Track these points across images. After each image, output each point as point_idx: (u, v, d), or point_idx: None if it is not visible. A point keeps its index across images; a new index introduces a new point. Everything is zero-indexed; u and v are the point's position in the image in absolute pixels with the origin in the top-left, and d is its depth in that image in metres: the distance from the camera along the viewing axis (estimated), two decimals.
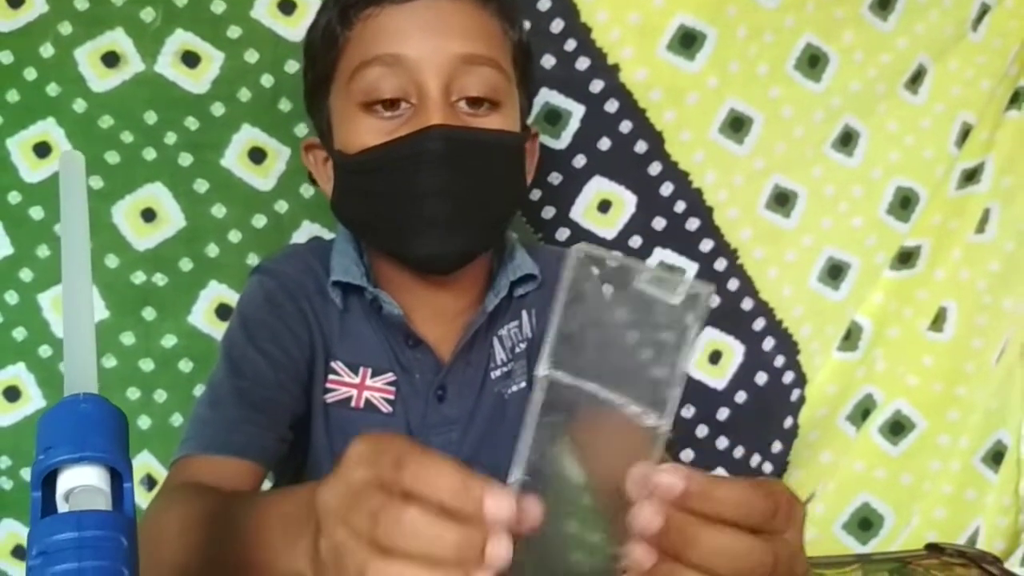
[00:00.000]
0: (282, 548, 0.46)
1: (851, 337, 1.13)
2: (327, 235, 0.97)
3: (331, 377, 0.77)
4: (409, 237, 0.72)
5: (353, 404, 0.78)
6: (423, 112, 0.69)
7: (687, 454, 1.09)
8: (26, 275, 0.96)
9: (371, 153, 0.70)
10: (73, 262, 0.44)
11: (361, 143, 0.70)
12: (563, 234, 1.05)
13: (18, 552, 0.99)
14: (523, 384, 0.82)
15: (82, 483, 0.35)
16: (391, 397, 0.78)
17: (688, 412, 1.10)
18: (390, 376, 0.78)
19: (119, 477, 0.36)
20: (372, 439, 0.40)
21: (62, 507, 0.35)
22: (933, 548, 0.64)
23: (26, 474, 0.97)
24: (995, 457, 1.19)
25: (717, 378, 1.10)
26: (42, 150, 0.96)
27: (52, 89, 0.95)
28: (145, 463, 0.98)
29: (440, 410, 0.79)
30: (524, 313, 0.83)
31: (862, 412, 1.14)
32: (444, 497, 0.36)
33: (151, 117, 0.97)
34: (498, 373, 0.81)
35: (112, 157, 0.97)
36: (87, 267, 0.44)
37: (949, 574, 0.61)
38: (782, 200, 1.08)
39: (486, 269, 0.81)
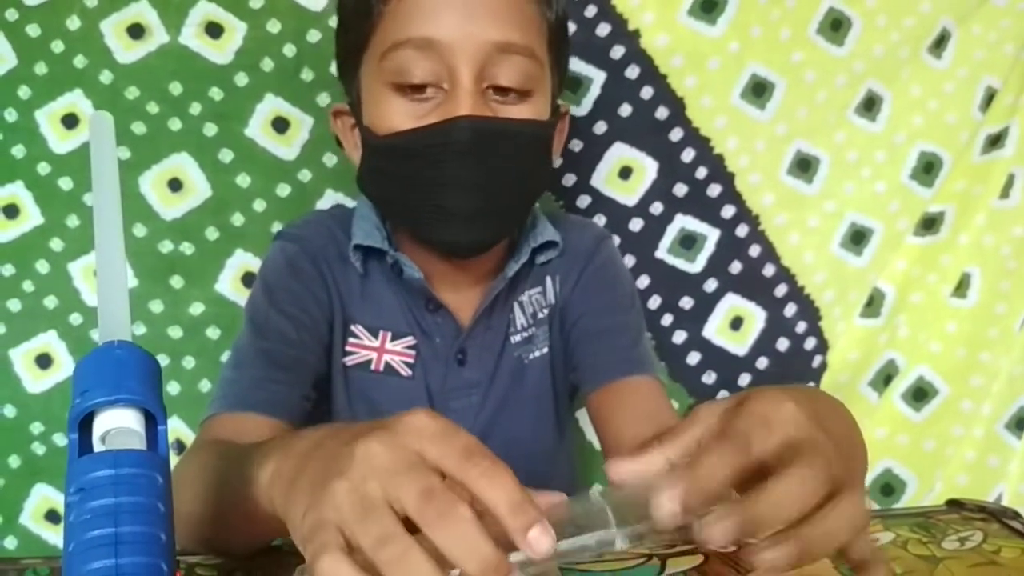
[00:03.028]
0: (250, 468, 0.47)
1: (873, 303, 1.13)
2: (350, 204, 0.99)
3: (351, 340, 0.79)
4: (432, 224, 0.73)
5: (373, 367, 0.79)
6: (453, 99, 0.68)
7: None
8: (56, 245, 0.98)
9: (399, 137, 0.70)
10: (105, 217, 0.45)
11: (390, 125, 0.71)
12: (584, 201, 1.05)
13: (51, 516, 1.01)
14: (545, 350, 0.83)
15: (118, 425, 0.36)
16: (411, 360, 0.79)
17: (709, 378, 1.10)
18: (410, 340, 0.79)
19: (153, 420, 0.37)
20: (440, 418, 0.38)
21: (98, 448, 0.36)
22: (953, 504, 0.65)
23: (58, 439, 1.00)
24: (1018, 423, 1.18)
25: (738, 344, 1.10)
26: (70, 121, 0.98)
27: (79, 61, 0.97)
28: (175, 428, 1.00)
29: (460, 374, 0.80)
30: (548, 279, 0.83)
31: (884, 378, 1.14)
32: (501, 504, 0.35)
33: (176, 88, 0.98)
34: (518, 338, 0.82)
35: (138, 128, 0.98)
36: (119, 222, 0.45)
37: (969, 528, 0.61)
38: (804, 166, 1.08)
39: (508, 238, 0.81)
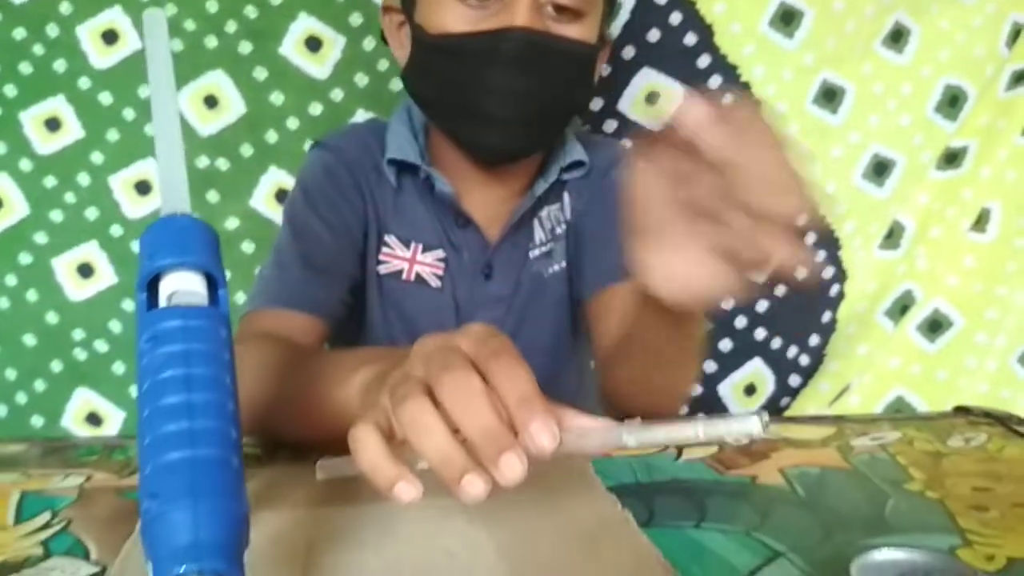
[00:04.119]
0: (343, 379, 0.50)
1: (893, 235, 1.15)
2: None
3: (384, 250, 0.82)
4: (471, 125, 0.75)
5: (404, 277, 0.82)
6: (511, 10, 0.70)
7: (725, 343, 1.12)
8: (97, 158, 1.01)
9: (453, 39, 0.72)
10: (161, 103, 0.47)
11: (444, 26, 0.72)
12: (611, 125, 1.07)
13: (92, 419, 1.06)
14: (563, 264, 0.85)
15: (182, 286, 0.39)
16: (440, 273, 0.82)
17: (728, 303, 1.12)
18: (440, 253, 0.82)
19: (214, 284, 0.40)
20: (490, 327, 0.41)
21: (163, 305, 0.39)
22: (960, 410, 0.67)
23: (99, 345, 1.04)
24: None
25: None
26: (110, 37, 1.00)
27: None
28: None
29: (486, 288, 0.83)
30: (565, 195, 0.85)
31: (901, 308, 1.16)
32: (512, 394, 0.37)
33: (212, 6, 1.00)
34: (537, 252, 0.85)
35: (176, 45, 1.00)
36: (175, 107, 0.47)
37: (975, 431, 0.64)
38: (830, 96, 1.09)
39: (539, 156, 0.83)
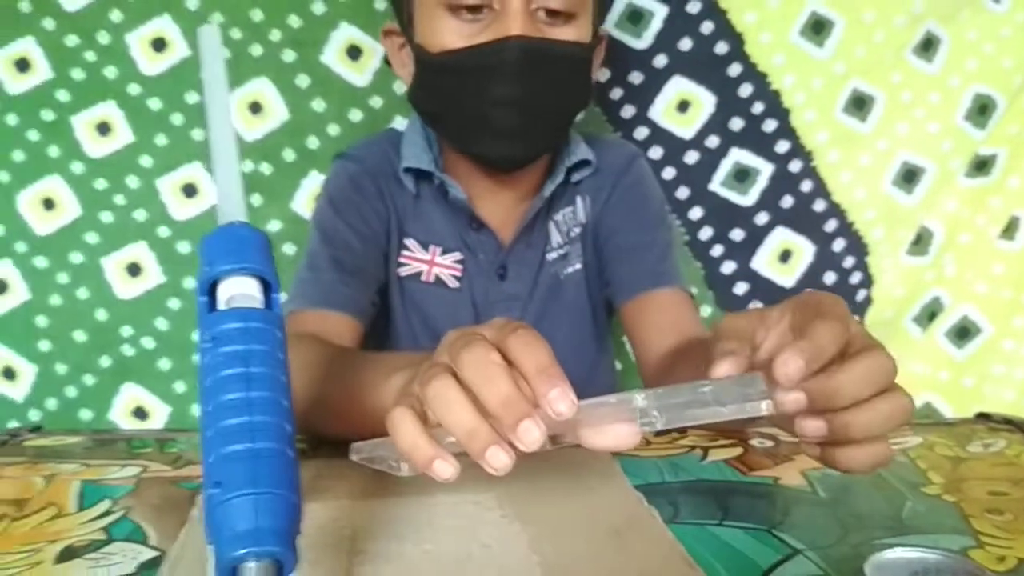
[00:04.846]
0: (381, 381, 0.53)
1: (921, 241, 1.16)
2: None
3: (404, 253, 0.86)
4: (478, 138, 0.78)
5: (424, 278, 0.86)
6: (504, 20, 0.72)
7: None
8: (146, 161, 1.05)
9: (451, 55, 0.74)
10: (217, 117, 0.50)
11: (442, 43, 0.75)
12: (642, 133, 1.09)
13: (138, 413, 1.10)
14: (578, 266, 0.89)
15: (240, 291, 0.42)
16: (458, 274, 0.86)
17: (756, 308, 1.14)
18: (458, 255, 0.85)
19: (269, 288, 0.43)
20: (510, 319, 0.43)
21: (223, 308, 0.42)
22: (982, 416, 0.69)
23: (146, 342, 1.08)
24: None
25: (786, 276, 1.14)
26: (159, 45, 1.04)
27: None
28: None
29: (502, 288, 0.86)
30: (579, 199, 0.88)
31: (928, 315, 1.17)
32: (530, 365, 0.39)
33: (257, 15, 1.03)
34: (554, 255, 0.88)
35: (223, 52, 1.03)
36: (230, 120, 0.50)
37: (995, 437, 0.66)
38: (859, 104, 1.10)
39: (546, 158, 0.85)
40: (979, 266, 1.17)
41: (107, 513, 0.52)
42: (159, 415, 1.10)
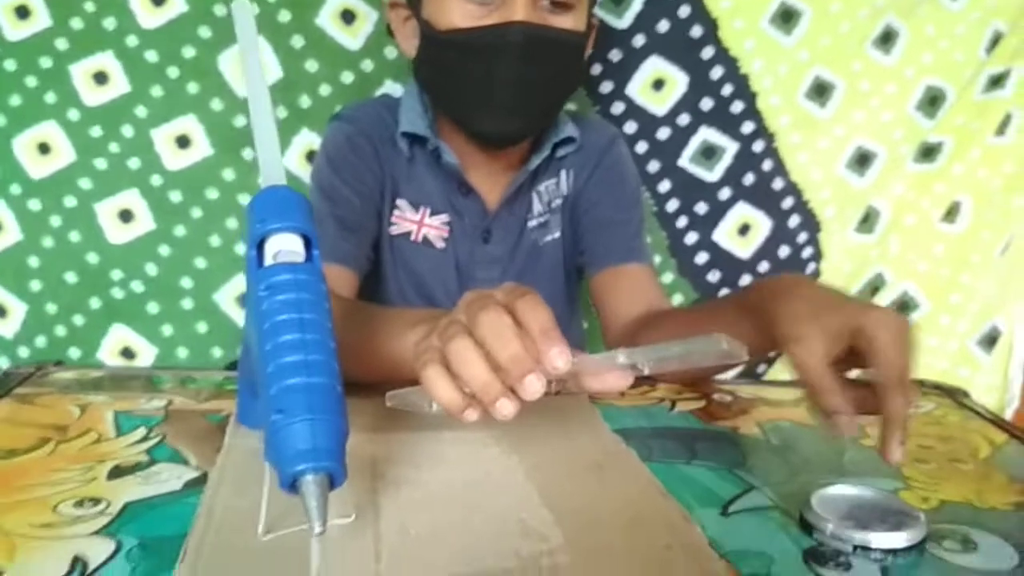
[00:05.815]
0: (399, 333, 0.60)
1: (868, 221, 1.24)
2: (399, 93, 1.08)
3: (395, 212, 0.91)
4: (477, 114, 0.84)
5: (412, 238, 0.92)
6: (511, 5, 0.78)
7: None
8: (141, 112, 1.08)
9: (459, 34, 0.80)
10: (255, 87, 0.55)
11: (451, 22, 0.80)
12: (618, 108, 1.15)
13: (126, 353, 1.14)
14: (557, 234, 0.96)
15: (285, 247, 0.48)
16: (445, 235, 0.92)
17: (714, 277, 1.22)
18: (445, 217, 0.91)
19: (310, 243, 0.49)
20: (518, 284, 0.50)
21: (268, 261, 0.48)
22: (915, 382, 0.78)
23: (136, 286, 1.12)
24: (989, 341, 1.31)
25: (743, 248, 1.22)
26: None
27: None
28: (240, 284, 1.13)
29: (485, 250, 0.93)
30: (562, 172, 0.95)
31: (872, 289, 1.26)
32: (534, 327, 0.46)
33: None
34: (534, 223, 0.94)
35: (219, 9, 1.07)
36: (266, 92, 0.55)
37: (925, 401, 0.75)
38: (820, 91, 1.18)
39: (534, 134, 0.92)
40: (921, 246, 1.26)
41: (145, 439, 0.58)
42: (146, 356, 1.14)
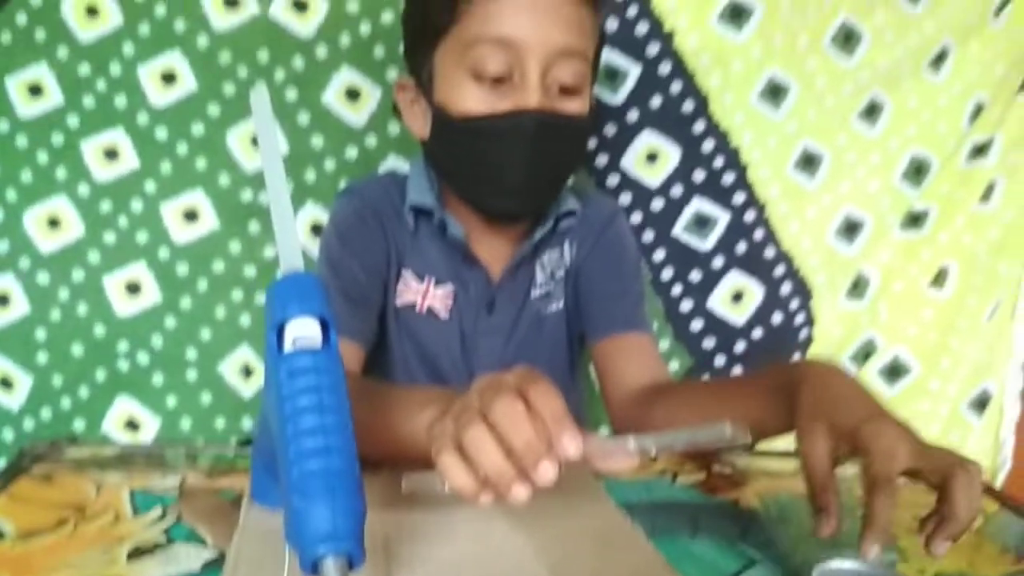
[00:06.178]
0: (410, 414, 0.62)
1: (859, 287, 1.27)
2: (405, 168, 1.11)
3: (401, 283, 0.94)
4: (488, 195, 0.87)
5: (417, 308, 0.94)
6: (523, 92, 0.81)
7: (705, 379, 1.24)
8: (150, 187, 1.11)
9: (473, 120, 0.83)
10: (273, 175, 0.58)
11: (465, 108, 0.83)
12: (613, 180, 1.19)
13: (130, 424, 1.16)
14: (560, 305, 0.98)
15: (304, 331, 0.50)
16: (449, 305, 0.94)
17: (709, 343, 1.25)
18: (449, 287, 0.94)
19: (327, 327, 0.51)
20: (529, 368, 0.52)
21: (288, 346, 0.50)
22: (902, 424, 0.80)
23: (142, 357, 1.14)
24: (980, 404, 1.33)
25: (738, 315, 1.24)
26: (169, 78, 1.10)
27: (179, 25, 1.09)
28: (244, 355, 1.15)
29: (489, 320, 0.95)
30: (565, 244, 0.98)
31: (863, 355, 1.29)
32: (547, 413, 0.48)
33: (264, 55, 1.11)
34: (538, 293, 0.97)
35: (229, 89, 1.11)
36: (284, 178, 0.58)
37: None
38: (808, 162, 1.22)
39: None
40: (910, 311, 1.29)
41: (162, 518, 0.59)
42: (150, 427, 1.16)
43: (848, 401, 0.59)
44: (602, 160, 1.18)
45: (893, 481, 0.53)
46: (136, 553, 0.54)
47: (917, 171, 1.24)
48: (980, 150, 1.27)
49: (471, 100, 0.83)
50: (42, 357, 1.13)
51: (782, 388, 0.65)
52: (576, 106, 0.85)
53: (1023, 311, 1.33)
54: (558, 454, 0.47)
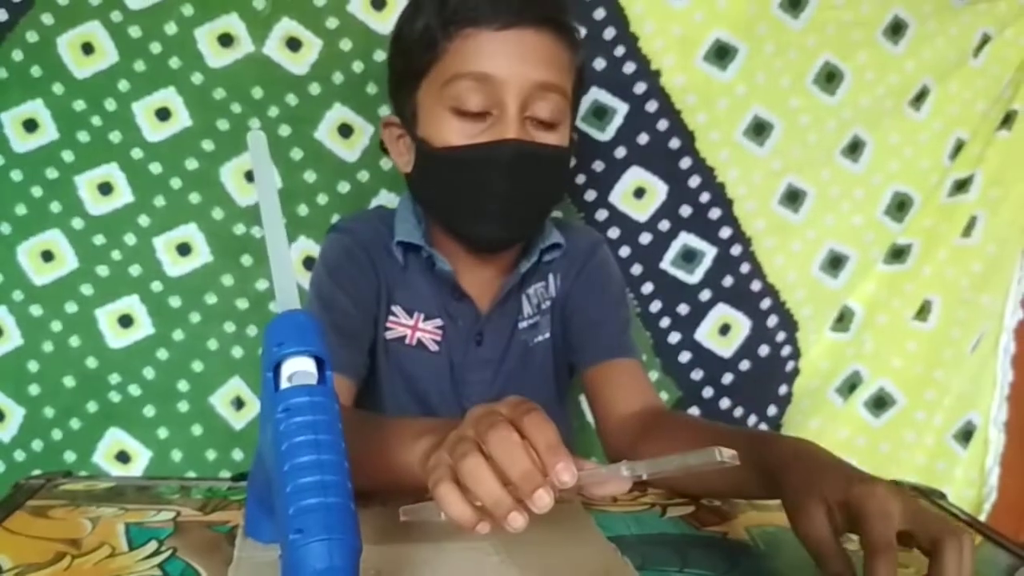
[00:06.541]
0: (404, 446, 0.63)
1: (844, 320, 1.29)
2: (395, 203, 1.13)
3: (391, 318, 0.95)
4: (470, 223, 0.89)
5: (407, 341, 0.95)
6: (502, 124, 0.84)
7: (693, 410, 1.26)
8: (144, 221, 1.13)
9: (454, 152, 0.85)
10: (270, 216, 0.59)
11: (446, 140, 0.86)
12: (602, 215, 1.21)
13: (121, 456, 1.16)
14: (547, 335, 0.99)
15: (300, 368, 0.52)
16: (439, 339, 0.95)
17: (697, 375, 1.26)
18: (439, 321, 0.95)
19: (323, 365, 0.52)
20: (521, 398, 0.54)
21: (284, 383, 0.51)
22: (893, 483, 0.81)
23: (133, 390, 1.15)
24: (965, 435, 1.35)
25: (725, 348, 1.26)
26: (163, 114, 1.12)
27: (174, 63, 1.11)
28: (236, 387, 1.16)
29: (478, 353, 0.96)
30: (550, 276, 0.99)
31: (849, 386, 1.31)
32: (540, 443, 0.50)
33: (257, 92, 1.13)
34: (525, 324, 0.98)
35: (223, 124, 1.12)
36: (281, 219, 0.59)
37: None
38: (793, 198, 1.24)
39: (522, 241, 0.96)
40: (895, 344, 1.31)
41: (156, 553, 0.60)
42: (141, 459, 1.16)
43: (833, 470, 0.60)
44: (591, 195, 1.20)
45: (893, 545, 0.53)
46: None
47: (900, 206, 1.27)
48: (961, 185, 1.29)
49: (452, 133, 0.85)
50: (34, 389, 1.13)
51: (760, 466, 0.65)
52: (554, 138, 0.87)
53: (1006, 343, 1.35)
54: (553, 482, 0.48)
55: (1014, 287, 1.33)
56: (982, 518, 1.33)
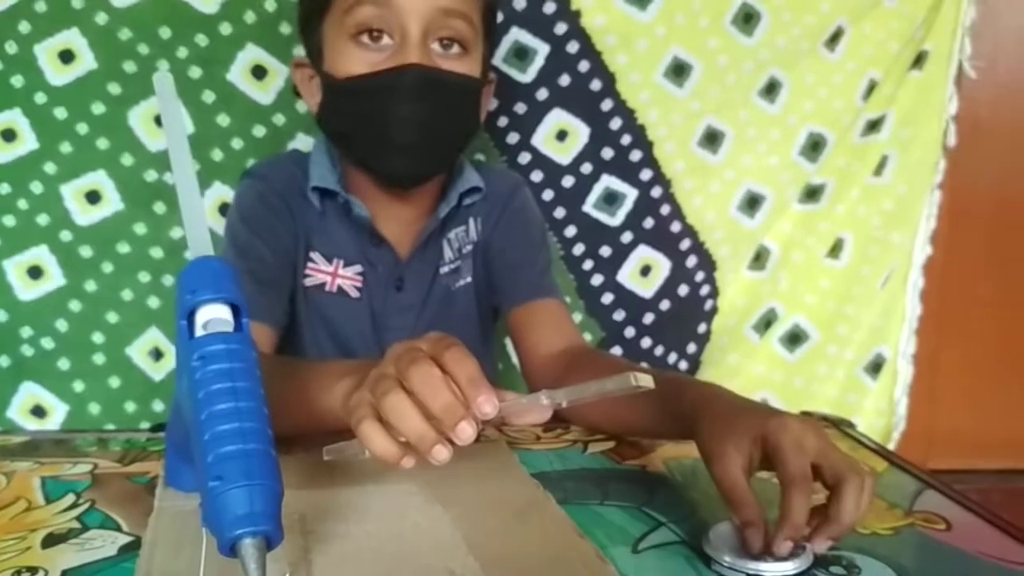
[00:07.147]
0: (325, 387, 0.63)
1: (760, 259, 1.33)
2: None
3: (310, 265, 0.94)
4: (380, 155, 0.87)
5: (327, 288, 0.94)
6: (404, 50, 0.82)
7: (616, 350, 1.28)
8: (50, 168, 1.08)
9: (357, 81, 0.84)
10: (179, 160, 0.58)
11: (348, 70, 0.84)
12: (524, 158, 1.20)
13: (36, 411, 1.13)
14: (468, 279, 1.00)
15: (215, 315, 0.51)
16: (359, 285, 0.95)
17: (619, 316, 1.28)
18: (358, 267, 0.94)
19: (238, 312, 0.52)
20: (442, 334, 0.54)
21: (199, 331, 0.51)
22: (805, 413, 0.84)
23: (46, 343, 1.11)
24: (874, 368, 1.41)
25: (646, 288, 1.28)
26: (66, 57, 1.07)
27: (77, 3, 1.06)
28: (153, 338, 1.13)
29: (398, 298, 0.96)
30: (471, 220, 0.99)
31: (765, 323, 1.35)
32: (461, 376, 0.50)
33: (165, 32, 1.08)
34: (446, 269, 0.98)
35: (129, 67, 1.08)
36: (190, 163, 0.58)
37: None
38: (712, 139, 1.25)
39: (440, 183, 0.96)
40: (808, 281, 1.35)
41: (75, 505, 0.59)
42: (57, 413, 1.13)
43: (744, 411, 0.62)
44: (513, 138, 1.20)
45: (808, 476, 0.55)
46: (51, 540, 0.53)
47: (814, 146, 1.29)
48: (873, 125, 1.33)
49: (354, 63, 0.84)
50: None
51: (676, 413, 0.67)
52: (462, 67, 0.86)
53: (915, 279, 1.40)
54: (475, 414, 0.49)
55: (923, 224, 1.38)
56: (891, 447, 1.40)
